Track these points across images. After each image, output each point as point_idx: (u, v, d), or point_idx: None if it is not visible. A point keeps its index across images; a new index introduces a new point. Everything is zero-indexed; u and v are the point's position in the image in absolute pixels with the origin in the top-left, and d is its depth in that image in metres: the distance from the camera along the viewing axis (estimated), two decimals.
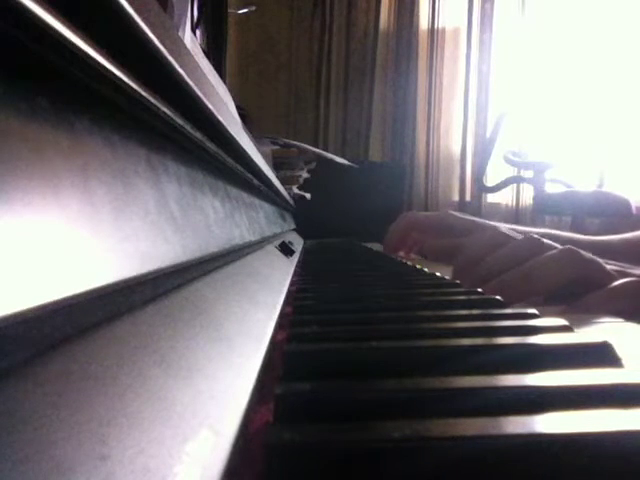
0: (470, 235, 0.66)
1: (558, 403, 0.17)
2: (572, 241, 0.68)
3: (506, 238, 0.54)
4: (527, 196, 2.70)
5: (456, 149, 2.85)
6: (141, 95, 0.20)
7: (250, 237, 0.47)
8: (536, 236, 0.50)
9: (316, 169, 1.82)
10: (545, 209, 2.36)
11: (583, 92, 2.64)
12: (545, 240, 0.50)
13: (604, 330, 0.34)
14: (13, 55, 0.13)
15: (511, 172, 2.58)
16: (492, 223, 0.75)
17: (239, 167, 0.49)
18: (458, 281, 0.51)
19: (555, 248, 0.48)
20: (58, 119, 0.15)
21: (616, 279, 0.44)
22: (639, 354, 0.24)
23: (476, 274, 0.51)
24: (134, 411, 0.12)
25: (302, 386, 0.19)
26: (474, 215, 0.82)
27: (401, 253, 0.91)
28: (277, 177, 0.98)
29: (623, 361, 0.22)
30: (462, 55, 2.83)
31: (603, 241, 0.70)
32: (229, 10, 1.45)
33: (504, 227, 0.71)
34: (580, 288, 0.44)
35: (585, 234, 0.73)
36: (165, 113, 0.23)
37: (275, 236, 0.75)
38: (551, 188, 2.38)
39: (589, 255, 0.46)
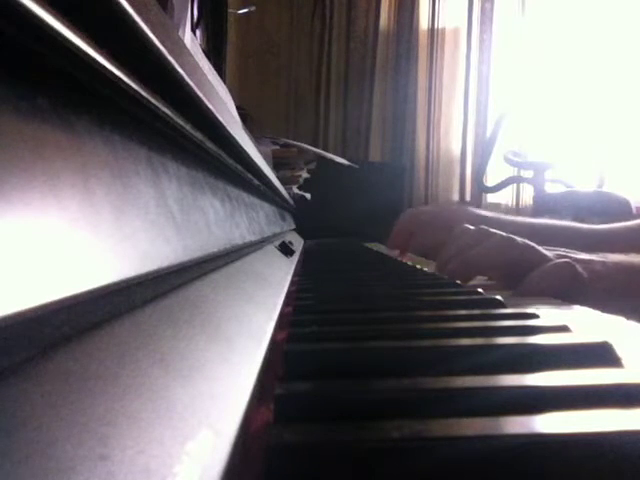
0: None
1: (558, 403, 0.17)
2: (572, 230, 0.72)
3: (465, 231, 0.60)
4: (527, 196, 2.69)
5: (456, 149, 2.85)
6: (141, 95, 0.20)
7: (250, 237, 0.47)
8: (485, 227, 0.57)
9: (316, 169, 1.81)
10: (545, 209, 2.35)
11: (583, 92, 2.64)
12: (493, 230, 0.56)
13: (600, 326, 0.34)
14: (13, 55, 0.13)
15: (511, 172, 2.57)
16: (495, 215, 0.77)
17: (239, 167, 0.49)
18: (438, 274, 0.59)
19: (499, 235, 0.54)
20: (58, 119, 0.15)
21: (552, 261, 0.49)
22: (639, 354, 0.24)
23: (438, 263, 0.60)
24: (134, 411, 0.12)
25: (302, 386, 0.19)
26: None
27: (399, 252, 0.91)
28: (277, 177, 0.98)
29: (623, 361, 0.22)
30: (462, 55, 2.83)
31: (605, 230, 0.73)
32: (229, 10, 1.45)
33: (506, 218, 0.74)
34: (524, 271, 0.49)
35: None
36: (165, 113, 0.23)
37: (275, 236, 0.75)
38: (551, 188, 2.38)
39: (523, 240, 0.52)
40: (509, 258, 0.51)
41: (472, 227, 0.60)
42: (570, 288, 0.46)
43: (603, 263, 0.50)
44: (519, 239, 0.52)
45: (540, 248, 0.52)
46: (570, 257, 0.52)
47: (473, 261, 0.53)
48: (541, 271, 0.47)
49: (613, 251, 0.55)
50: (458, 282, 0.50)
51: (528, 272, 0.48)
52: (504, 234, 0.54)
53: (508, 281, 0.51)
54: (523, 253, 0.51)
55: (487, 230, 0.56)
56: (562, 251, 0.53)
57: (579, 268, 0.47)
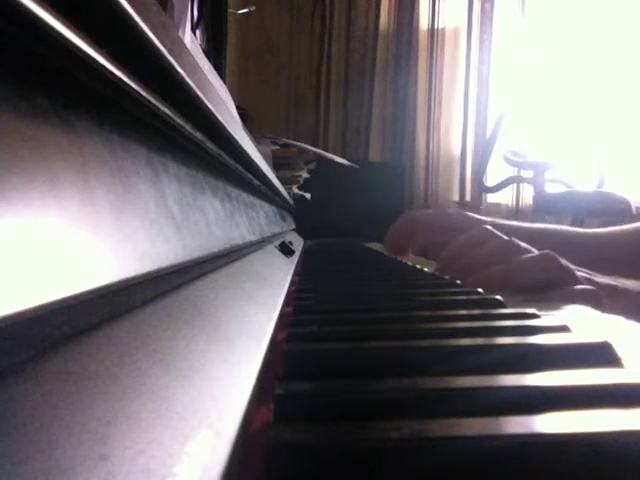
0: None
1: (558, 403, 0.17)
2: (573, 236, 0.71)
3: (490, 236, 0.58)
4: (527, 196, 2.70)
5: (456, 149, 2.85)
6: (141, 95, 0.20)
7: (250, 237, 0.47)
8: (515, 239, 0.56)
9: (316, 169, 1.82)
10: (545, 209, 2.36)
11: (583, 92, 2.64)
12: (522, 244, 0.55)
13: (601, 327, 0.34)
14: (13, 55, 0.13)
15: (511, 172, 2.58)
16: (494, 220, 0.76)
17: (239, 167, 0.49)
18: (439, 273, 0.57)
19: (529, 251, 0.53)
20: (58, 119, 0.15)
21: (582, 284, 0.49)
22: (639, 354, 0.24)
23: (459, 267, 0.56)
24: (134, 411, 0.12)
25: (302, 386, 0.19)
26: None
27: (400, 254, 0.91)
28: (277, 177, 0.98)
29: (623, 361, 0.22)
30: (462, 55, 2.83)
31: (607, 234, 0.73)
32: (229, 10, 1.45)
33: (503, 223, 0.74)
34: (551, 288, 0.49)
35: None
36: (165, 113, 0.23)
37: (275, 236, 0.75)
38: (551, 188, 2.38)
39: (565, 262, 0.51)
40: (550, 276, 0.50)
41: (498, 233, 0.58)
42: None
43: (626, 290, 0.50)
44: (561, 259, 0.51)
45: (574, 269, 0.51)
46: (593, 280, 0.51)
47: (516, 271, 0.51)
48: (565, 293, 0.47)
49: (611, 256, 0.55)
50: (459, 286, 0.49)
51: (554, 288, 0.48)
52: (545, 251, 0.52)
53: (530, 293, 0.50)
54: (562, 273, 0.50)
55: (518, 243, 0.55)
56: (586, 273, 0.53)
57: (604, 298, 0.47)
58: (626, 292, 0.50)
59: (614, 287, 0.50)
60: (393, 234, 0.88)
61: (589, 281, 0.51)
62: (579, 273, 0.52)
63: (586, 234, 0.75)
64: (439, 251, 0.66)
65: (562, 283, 0.49)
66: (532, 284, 0.50)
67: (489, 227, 0.60)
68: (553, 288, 0.48)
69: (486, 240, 0.57)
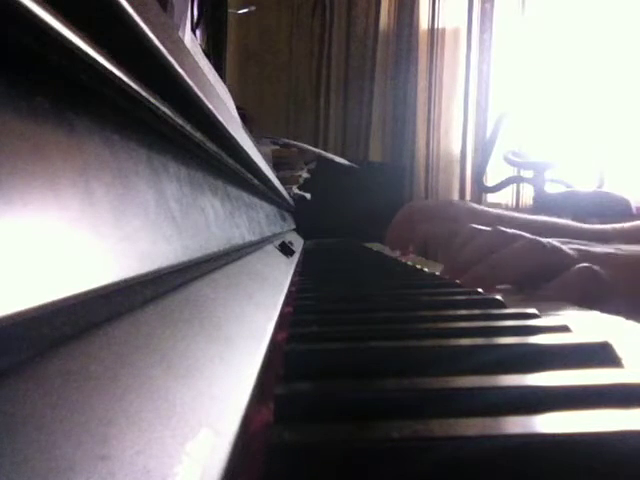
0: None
1: (558, 403, 0.17)
2: (568, 229, 0.71)
3: (479, 233, 0.57)
4: (527, 196, 2.69)
5: (456, 149, 2.85)
6: (141, 95, 0.20)
7: (250, 237, 0.47)
8: (502, 228, 0.55)
9: (316, 169, 1.82)
10: (545, 209, 2.35)
11: (583, 92, 2.64)
12: (510, 231, 0.53)
13: (598, 325, 0.34)
14: (13, 55, 0.13)
15: (511, 172, 2.57)
16: (495, 211, 0.76)
17: (239, 167, 0.49)
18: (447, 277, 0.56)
19: (521, 237, 0.52)
20: (58, 119, 0.15)
21: (577, 262, 0.48)
22: (639, 354, 0.24)
23: (452, 268, 0.56)
24: (134, 411, 0.12)
25: (302, 386, 0.19)
26: None
27: (400, 252, 0.91)
28: (277, 177, 0.98)
29: (623, 361, 0.22)
30: (462, 55, 2.83)
31: (600, 229, 0.73)
32: (229, 10, 1.45)
33: (505, 214, 0.73)
34: (548, 274, 0.48)
35: None
36: (165, 113, 0.23)
37: (275, 236, 0.75)
38: (551, 188, 2.38)
39: (551, 243, 0.50)
40: (539, 262, 0.49)
41: (483, 227, 0.57)
42: (593, 290, 0.45)
43: (624, 256, 0.49)
44: (545, 240, 0.50)
45: (565, 248, 0.50)
46: (588, 252, 0.51)
47: (503, 265, 0.50)
48: (563, 279, 0.46)
49: None
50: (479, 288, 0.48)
51: (553, 274, 0.47)
52: (529, 236, 0.51)
53: (529, 284, 0.49)
54: (552, 256, 0.49)
55: (504, 231, 0.54)
56: (578, 244, 0.52)
57: (598, 268, 0.46)
58: (619, 258, 0.49)
59: (609, 255, 0.50)
60: (394, 228, 0.88)
61: (582, 254, 0.50)
62: (572, 246, 0.51)
63: (589, 229, 0.75)
64: (440, 243, 0.66)
65: (555, 266, 0.48)
66: (524, 274, 0.50)
67: (475, 225, 0.58)
68: (549, 274, 0.47)
69: (474, 236, 0.57)
